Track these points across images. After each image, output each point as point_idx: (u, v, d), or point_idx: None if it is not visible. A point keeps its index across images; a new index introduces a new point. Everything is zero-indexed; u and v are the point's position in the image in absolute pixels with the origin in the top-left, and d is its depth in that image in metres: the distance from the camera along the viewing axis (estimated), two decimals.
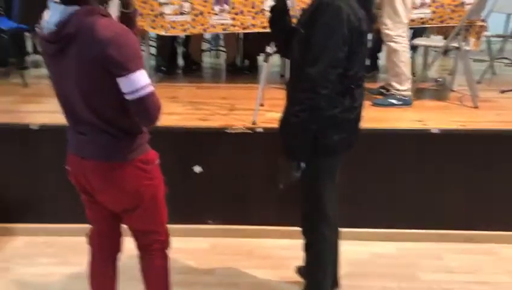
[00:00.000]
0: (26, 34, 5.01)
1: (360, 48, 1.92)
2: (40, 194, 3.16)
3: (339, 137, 2.02)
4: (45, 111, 3.28)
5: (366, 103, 2.37)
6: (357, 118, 2.10)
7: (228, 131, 3.03)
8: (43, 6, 3.96)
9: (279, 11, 2.16)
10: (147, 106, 1.60)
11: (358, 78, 1.99)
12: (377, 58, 4.82)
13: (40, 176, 3.13)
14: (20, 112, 3.38)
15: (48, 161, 3.03)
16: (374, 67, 4.81)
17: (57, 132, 3.06)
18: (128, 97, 1.58)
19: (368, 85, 3.03)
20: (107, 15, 1.61)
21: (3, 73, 4.54)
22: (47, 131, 3.04)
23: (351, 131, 2.10)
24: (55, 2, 1.57)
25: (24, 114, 3.31)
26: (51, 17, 1.57)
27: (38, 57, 5.09)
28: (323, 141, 1.99)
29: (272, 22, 2.21)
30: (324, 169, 2.11)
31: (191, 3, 3.80)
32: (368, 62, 4.55)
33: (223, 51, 5.48)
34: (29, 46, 5.21)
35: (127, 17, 1.78)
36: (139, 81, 1.56)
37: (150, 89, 1.59)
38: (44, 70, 4.63)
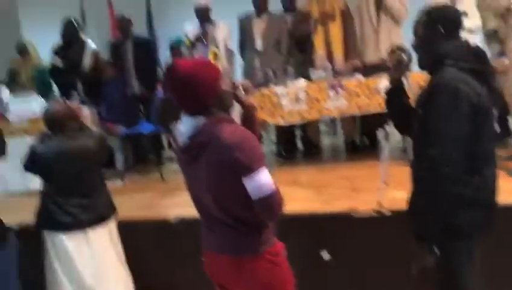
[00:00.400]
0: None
1: (485, 124, 1.86)
2: (178, 285, 3.34)
3: (471, 217, 1.90)
4: (182, 204, 3.56)
5: (501, 173, 2.21)
6: (491, 195, 1.97)
7: (354, 215, 2.99)
8: (176, 111, 4.44)
9: (396, 92, 2.18)
10: (270, 203, 1.71)
11: (486, 154, 1.90)
12: (506, 121, 4.50)
13: (179, 267, 3.31)
14: (160, 206, 3.71)
15: (185, 252, 3.24)
16: (505, 132, 4.48)
17: (193, 225, 3.32)
18: (253, 196, 1.70)
19: (500, 153, 2.83)
20: (231, 121, 1.78)
21: (144, 170, 5.07)
22: (184, 223, 3.28)
23: (485, 209, 1.96)
24: (187, 116, 1.78)
25: (163, 208, 3.62)
26: (184, 129, 1.77)
27: (173, 153, 5.62)
28: (454, 222, 1.88)
29: (389, 102, 2.23)
30: (460, 253, 1.96)
31: (306, 92, 3.99)
32: (497, 128, 4.28)
33: (341, 130, 5.54)
34: (165, 143, 5.79)
35: (248, 119, 1.96)
36: (263, 180, 1.68)
37: (273, 187, 1.70)
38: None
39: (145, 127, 4.86)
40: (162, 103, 4.66)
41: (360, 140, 5.04)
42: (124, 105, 4.93)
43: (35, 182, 4.63)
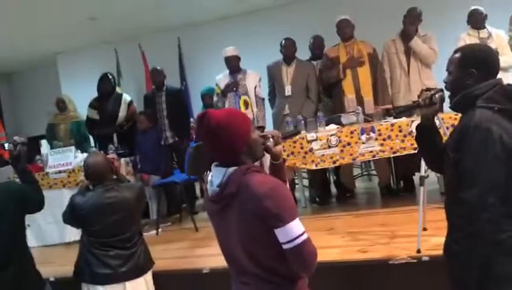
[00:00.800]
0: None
1: None
2: None
3: None
4: (215, 254, 3.52)
5: None
6: None
7: (391, 262, 2.89)
8: (208, 160, 4.47)
9: (427, 129, 2.11)
10: (303, 254, 1.64)
11: None
12: None
13: None
14: (193, 256, 3.69)
15: None
16: None
17: (226, 275, 3.28)
18: (285, 247, 1.64)
19: None
20: (260, 171, 1.77)
21: (177, 219, 5.08)
22: (217, 274, 3.24)
23: None
24: (217, 165, 1.77)
25: (196, 258, 3.60)
26: (214, 179, 1.76)
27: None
28: (498, 271, 1.77)
29: (420, 140, 2.18)
30: None
31: (338, 136, 3.97)
32: None
33: (375, 175, 5.45)
34: (197, 191, 5.83)
35: (276, 168, 1.94)
36: (294, 230, 1.62)
37: (304, 237, 1.65)
38: None
39: (178, 176, 4.91)
40: (194, 151, 4.72)
41: (396, 184, 4.93)
42: (158, 155, 5.02)
43: (72, 234, 4.76)
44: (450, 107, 2.00)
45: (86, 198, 2.97)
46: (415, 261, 2.85)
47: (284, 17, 7.29)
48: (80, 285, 3.02)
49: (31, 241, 3.41)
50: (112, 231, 2.94)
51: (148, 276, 3.09)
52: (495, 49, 2.59)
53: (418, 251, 2.90)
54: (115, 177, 3.13)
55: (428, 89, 2.26)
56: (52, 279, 3.52)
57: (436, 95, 2.04)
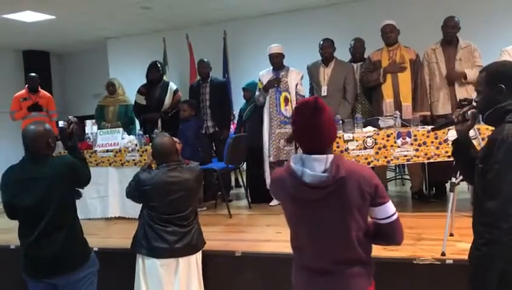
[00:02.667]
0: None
1: None
2: None
3: None
4: (246, 240, 3.73)
5: None
6: None
7: (416, 262, 3.00)
8: (244, 150, 4.65)
9: (462, 144, 2.19)
10: (396, 228, 1.88)
11: None
12: None
13: None
14: (226, 239, 3.89)
15: (246, 283, 3.37)
16: None
17: (256, 259, 3.48)
18: (382, 222, 1.85)
19: None
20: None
21: (212, 205, 5.30)
22: (247, 258, 3.43)
23: None
24: (309, 155, 1.82)
25: (228, 242, 3.80)
26: (313, 166, 1.79)
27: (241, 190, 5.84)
28: None
29: (456, 154, 2.28)
30: None
31: (374, 138, 4.07)
32: None
33: (408, 179, 5.52)
34: (232, 182, 6.04)
35: None
36: (391, 209, 1.86)
37: (397, 215, 1.87)
38: (243, 202, 5.30)
39: (217, 165, 5.12)
40: (233, 142, 4.92)
41: (428, 190, 4.99)
42: (197, 142, 5.23)
43: (114, 211, 5.05)
44: (483, 121, 2.08)
45: (151, 175, 3.14)
46: (438, 263, 2.95)
47: (329, 17, 7.39)
48: (136, 256, 3.19)
49: None
50: (171, 208, 3.11)
51: (199, 255, 3.26)
52: None
53: (443, 254, 3.00)
54: (178, 159, 3.28)
55: (464, 100, 2.34)
56: (95, 249, 3.79)
57: (469, 112, 2.12)
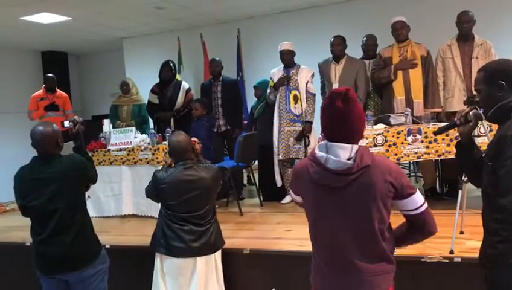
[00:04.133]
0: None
1: None
2: None
3: None
4: (256, 237, 3.75)
5: None
6: None
7: (424, 260, 2.99)
8: (255, 148, 4.65)
9: (466, 146, 2.17)
10: (427, 219, 1.89)
11: None
12: None
13: None
14: (236, 237, 3.92)
15: (254, 282, 3.40)
16: None
17: (264, 256, 3.50)
18: (412, 213, 1.87)
19: None
20: None
21: (224, 203, 5.34)
22: (256, 255, 3.46)
23: None
24: (334, 143, 1.82)
25: (238, 239, 3.83)
26: (338, 153, 1.80)
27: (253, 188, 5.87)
28: None
29: (460, 156, 2.25)
30: None
31: (384, 136, 4.05)
32: None
33: (421, 176, 5.47)
34: (244, 180, 6.06)
35: None
36: (420, 199, 1.87)
37: (426, 205, 1.88)
38: (255, 200, 5.32)
39: (228, 163, 5.16)
40: (244, 140, 4.94)
41: (441, 188, 4.95)
42: (209, 140, 5.27)
43: (127, 209, 5.13)
44: (486, 120, 2.05)
45: (168, 173, 3.14)
46: (446, 261, 2.93)
47: (342, 14, 7.35)
48: (155, 254, 3.22)
49: (90, 211, 3.63)
50: (187, 206, 3.10)
51: (218, 254, 3.25)
52: None
53: (451, 252, 2.98)
54: (195, 157, 3.28)
55: (472, 96, 2.31)
56: (107, 246, 3.86)
57: (470, 113, 2.09)
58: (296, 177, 1.98)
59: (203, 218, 3.14)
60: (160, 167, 3.45)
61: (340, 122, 1.82)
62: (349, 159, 1.77)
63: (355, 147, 1.80)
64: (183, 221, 3.10)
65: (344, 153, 1.78)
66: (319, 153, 1.83)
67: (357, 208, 1.79)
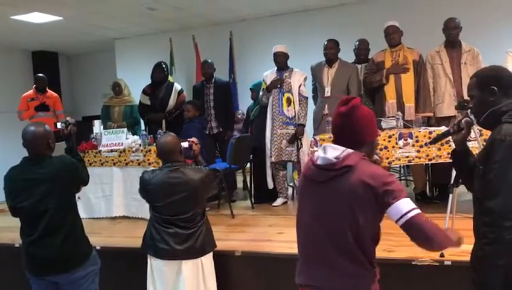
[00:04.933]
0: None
1: None
2: None
3: None
4: (247, 240, 3.75)
5: None
6: None
7: (414, 263, 3.01)
8: (248, 151, 4.64)
9: (461, 153, 2.19)
10: (419, 226, 1.76)
11: None
12: None
13: None
14: (228, 239, 3.92)
15: (245, 284, 3.39)
16: None
17: (255, 259, 3.50)
18: (399, 223, 1.78)
19: None
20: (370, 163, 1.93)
21: (216, 205, 5.33)
22: (248, 258, 3.46)
23: None
24: (329, 145, 1.92)
25: (230, 241, 3.83)
26: (330, 152, 1.88)
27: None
28: None
29: (455, 164, 2.27)
30: None
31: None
32: None
33: (411, 180, 5.50)
34: (241, 183, 6.05)
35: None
36: (405, 206, 1.77)
37: (417, 211, 1.77)
38: (247, 202, 5.30)
39: (220, 165, 5.15)
40: (237, 142, 4.94)
41: (431, 192, 4.98)
42: (202, 143, 5.25)
43: (118, 210, 5.10)
44: (479, 125, 2.08)
45: (153, 175, 3.09)
46: (437, 264, 2.95)
47: (335, 18, 7.37)
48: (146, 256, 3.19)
49: (80, 212, 3.59)
50: (173, 209, 3.04)
51: (206, 259, 3.16)
52: None
53: (441, 255, 2.99)
54: (194, 159, 3.26)
55: (464, 101, 2.33)
56: (98, 247, 3.83)
57: (463, 121, 2.12)
58: (301, 175, 2.08)
59: (189, 221, 3.07)
60: (150, 168, 3.41)
61: (342, 128, 1.92)
62: (336, 158, 1.84)
63: (349, 150, 1.85)
64: (168, 223, 3.05)
65: (334, 152, 1.86)
66: (316, 153, 1.93)
67: (334, 205, 1.84)
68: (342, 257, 1.84)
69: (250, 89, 6.07)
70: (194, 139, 3.38)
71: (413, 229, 1.77)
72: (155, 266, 3.11)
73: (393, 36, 4.74)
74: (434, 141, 2.47)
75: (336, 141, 1.95)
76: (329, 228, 1.86)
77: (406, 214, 1.75)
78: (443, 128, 3.96)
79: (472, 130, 2.36)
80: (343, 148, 1.86)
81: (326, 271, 1.89)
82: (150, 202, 3.17)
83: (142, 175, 3.19)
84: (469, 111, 2.16)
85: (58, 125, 3.12)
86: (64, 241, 2.76)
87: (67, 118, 3.11)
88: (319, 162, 1.89)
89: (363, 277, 1.87)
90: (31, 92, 6.52)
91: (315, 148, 3.98)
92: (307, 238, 1.96)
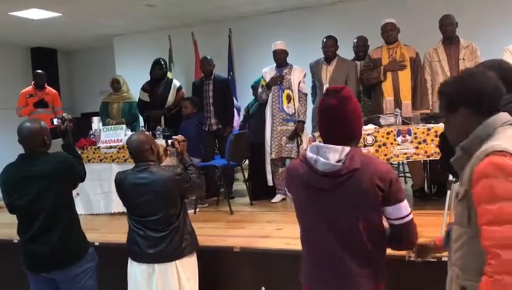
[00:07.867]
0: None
1: None
2: None
3: None
4: (245, 235, 3.76)
5: None
6: None
7: (407, 259, 3.01)
8: (246, 147, 4.63)
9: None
10: (410, 230, 1.82)
11: None
12: None
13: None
14: (226, 235, 3.93)
15: (244, 280, 3.40)
16: None
17: (254, 255, 3.51)
18: (395, 223, 1.80)
19: None
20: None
21: (214, 201, 5.34)
22: (246, 254, 3.46)
23: None
24: (324, 144, 1.81)
25: (228, 238, 3.84)
26: (327, 155, 1.77)
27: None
28: None
29: (442, 148, 2.29)
30: None
31: (374, 136, 4.08)
32: None
33: (410, 177, 5.51)
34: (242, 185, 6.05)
35: None
36: (406, 209, 1.80)
37: (411, 216, 1.82)
38: (246, 199, 5.32)
39: (219, 161, 5.15)
40: (235, 139, 4.94)
41: (429, 188, 4.99)
42: (199, 139, 5.26)
43: (117, 206, 5.09)
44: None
45: (124, 176, 2.98)
46: (434, 260, 2.95)
47: (334, 15, 7.38)
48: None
49: (79, 209, 3.62)
50: (141, 211, 2.91)
51: (184, 262, 2.96)
52: None
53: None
54: (155, 158, 3.05)
55: None
56: (96, 244, 3.84)
57: None
58: (289, 176, 1.97)
59: (160, 224, 2.88)
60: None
61: (334, 121, 1.81)
62: (338, 162, 1.75)
63: (346, 149, 1.77)
64: (139, 225, 2.93)
65: (334, 155, 1.76)
66: (309, 155, 1.81)
67: (344, 211, 1.77)
68: (355, 260, 1.80)
69: (252, 86, 6.07)
70: (178, 137, 3.28)
71: (405, 232, 1.82)
72: (130, 268, 3.02)
73: (390, 33, 4.75)
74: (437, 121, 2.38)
75: (325, 138, 1.85)
76: (341, 236, 1.79)
77: (405, 217, 1.79)
78: (440, 125, 3.96)
79: None
80: (340, 147, 1.77)
81: (339, 276, 1.83)
82: (124, 202, 3.06)
83: (116, 176, 3.07)
84: None
85: (55, 121, 3.12)
86: (61, 238, 2.76)
87: (64, 114, 3.10)
88: (319, 167, 1.77)
89: (373, 278, 1.83)
90: (29, 88, 6.52)
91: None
92: (317, 249, 1.89)
